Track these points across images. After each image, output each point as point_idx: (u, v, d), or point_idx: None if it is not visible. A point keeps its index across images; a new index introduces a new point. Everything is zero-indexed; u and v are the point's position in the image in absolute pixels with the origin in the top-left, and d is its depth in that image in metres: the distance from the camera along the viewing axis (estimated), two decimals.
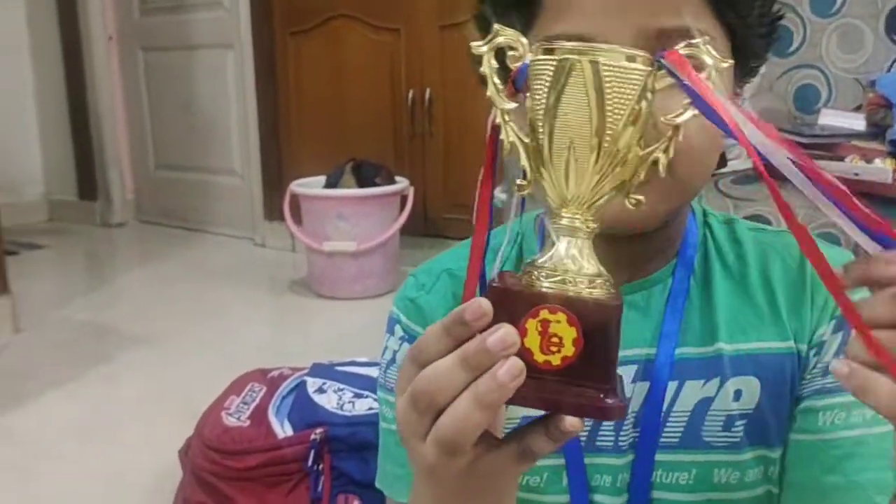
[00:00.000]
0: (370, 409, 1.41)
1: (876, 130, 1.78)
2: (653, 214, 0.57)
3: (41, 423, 1.97)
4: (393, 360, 0.72)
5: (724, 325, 0.63)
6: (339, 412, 1.42)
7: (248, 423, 1.46)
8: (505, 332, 0.40)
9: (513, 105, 0.44)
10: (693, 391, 0.63)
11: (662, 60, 0.42)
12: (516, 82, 0.44)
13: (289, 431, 1.41)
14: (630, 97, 0.41)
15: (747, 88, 0.67)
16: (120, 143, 4.13)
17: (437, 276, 0.71)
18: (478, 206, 0.48)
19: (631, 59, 0.41)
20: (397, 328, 0.72)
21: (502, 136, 0.45)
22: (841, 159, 1.66)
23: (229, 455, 1.40)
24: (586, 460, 0.64)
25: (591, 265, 0.43)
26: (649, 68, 0.41)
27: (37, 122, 4.18)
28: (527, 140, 0.44)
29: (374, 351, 1.84)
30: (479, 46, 0.44)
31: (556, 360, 0.40)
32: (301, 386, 1.52)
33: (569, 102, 0.41)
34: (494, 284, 0.42)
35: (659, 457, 0.63)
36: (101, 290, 3.14)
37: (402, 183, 2.93)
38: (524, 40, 0.44)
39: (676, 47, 0.42)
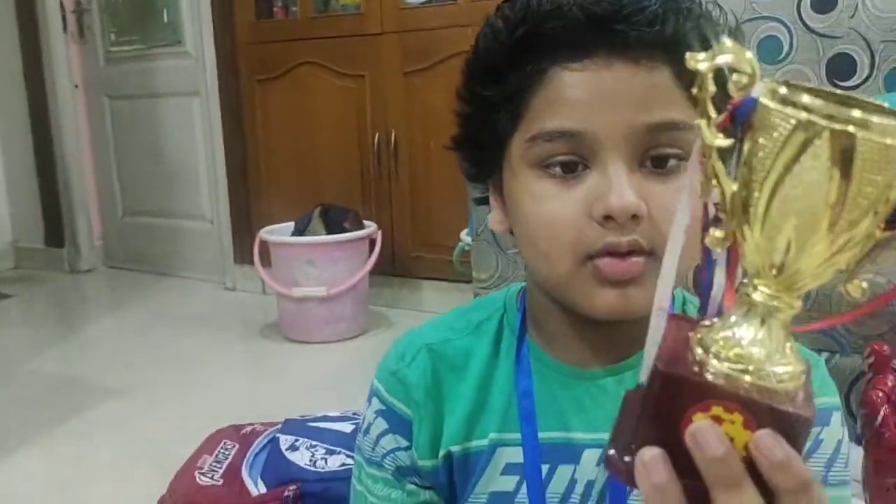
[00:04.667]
0: (343, 464, 1.44)
1: None
2: (649, 301, 0.57)
3: (14, 482, 1.96)
4: (367, 430, 0.74)
5: None
6: (312, 469, 1.45)
7: (221, 481, 1.48)
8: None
9: (727, 143, 0.36)
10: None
11: None
12: (736, 115, 0.36)
13: (262, 489, 1.44)
14: (883, 182, 0.32)
15: None
16: (87, 189, 4.12)
17: (417, 349, 0.73)
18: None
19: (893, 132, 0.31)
20: (375, 400, 0.74)
21: (703, 176, 0.37)
22: None
23: None
24: None
25: (784, 358, 0.35)
26: None
27: (3, 171, 4.17)
28: (734, 189, 0.36)
29: (346, 397, 1.87)
30: (701, 61, 0.35)
31: None
32: (274, 442, 1.54)
33: (802, 175, 0.33)
34: (661, 369, 0.36)
35: None
36: (70, 341, 3.13)
37: (370, 227, 2.97)
38: (755, 61, 0.34)
39: None
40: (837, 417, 0.67)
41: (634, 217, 0.57)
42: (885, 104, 0.33)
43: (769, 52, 2.01)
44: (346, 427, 1.55)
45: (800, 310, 0.36)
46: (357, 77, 3.14)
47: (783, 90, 0.33)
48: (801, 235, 0.34)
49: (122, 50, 3.89)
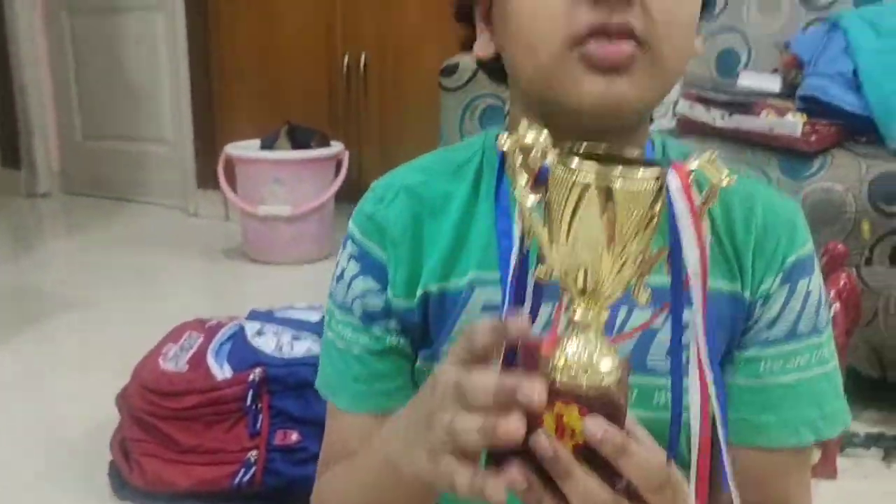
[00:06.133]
0: (309, 350, 1.44)
1: (789, 91, 1.88)
2: (637, 97, 0.59)
3: None
4: (341, 276, 0.72)
5: None
6: (278, 354, 1.44)
7: (186, 367, 1.47)
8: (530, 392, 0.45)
9: (534, 201, 0.47)
10: (641, 319, 0.64)
11: (668, 181, 0.44)
12: (538, 179, 0.47)
13: (227, 374, 1.43)
14: (640, 212, 0.45)
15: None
16: (45, 109, 4.01)
17: (396, 191, 0.70)
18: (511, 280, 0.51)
19: (645, 176, 0.44)
20: (349, 244, 0.72)
21: (525, 225, 0.48)
22: (756, 115, 1.75)
23: (167, 396, 1.41)
24: None
25: (603, 359, 0.47)
26: (659, 184, 0.44)
27: None
28: (545, 233, 0.47)
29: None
30: (504, 144, 0.46)
31: (567, 447, 0.46)
32: (239, 331, 1.54)
33: (581, 221, 0.45)
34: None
35: None
36: (26, 257, 3.07)
37: (337, 147, 2.94)
38: (546, 142, 0.46)
39: (688, 162, 0.45)
40: (815, 263, 0.69)
41: None
42: (637, 153, 0.50)
43: None
44: (313, 316, 1.54)
45: (607, 316, 0.48)
46: None
47: (567, 160, 0.45)
48: (593, 261, 0.46)
49: None
